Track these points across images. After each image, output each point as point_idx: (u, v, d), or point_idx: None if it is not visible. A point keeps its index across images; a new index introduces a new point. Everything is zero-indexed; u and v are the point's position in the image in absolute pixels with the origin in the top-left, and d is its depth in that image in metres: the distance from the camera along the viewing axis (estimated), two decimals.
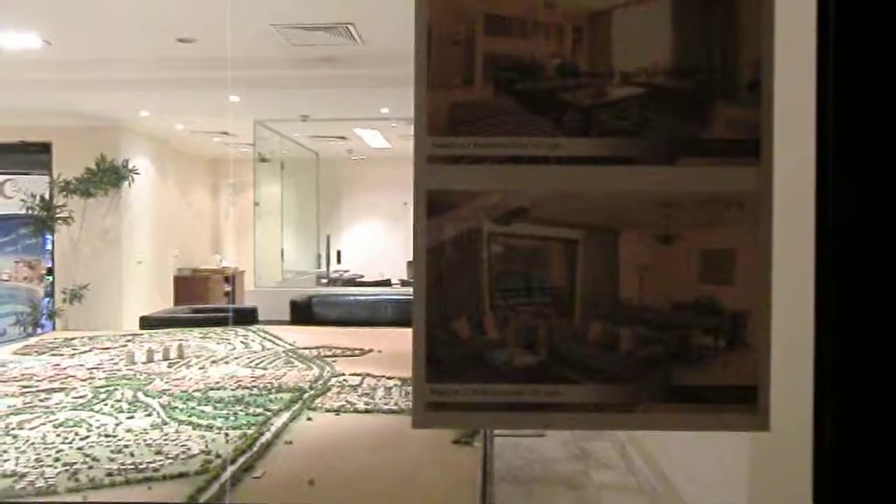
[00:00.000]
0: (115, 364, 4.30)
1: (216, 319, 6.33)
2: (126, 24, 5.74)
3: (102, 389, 3.61)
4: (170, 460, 2.57)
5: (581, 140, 0.90)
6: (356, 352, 4.68)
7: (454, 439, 2.76)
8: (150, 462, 2.55)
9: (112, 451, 2.66)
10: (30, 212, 8.40)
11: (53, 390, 3.61)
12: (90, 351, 4.76)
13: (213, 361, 4.37)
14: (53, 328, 8.16)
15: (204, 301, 9.90)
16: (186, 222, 11.29)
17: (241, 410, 3.21)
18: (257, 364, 4.28)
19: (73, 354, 4.63)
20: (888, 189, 0.83)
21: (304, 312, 7.25)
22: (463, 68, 0.89)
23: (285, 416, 3.12)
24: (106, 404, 3.33)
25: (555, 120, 0.90)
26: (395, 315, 7.11)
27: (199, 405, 3.30)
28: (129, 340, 5.17)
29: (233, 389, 3.61)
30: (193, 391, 3.57)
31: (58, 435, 2.86)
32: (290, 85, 7.17)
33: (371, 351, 4.70)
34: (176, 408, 3.26)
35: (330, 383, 3.73)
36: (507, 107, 0.90)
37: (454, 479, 2.47)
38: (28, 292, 8.70)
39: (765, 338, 0.90)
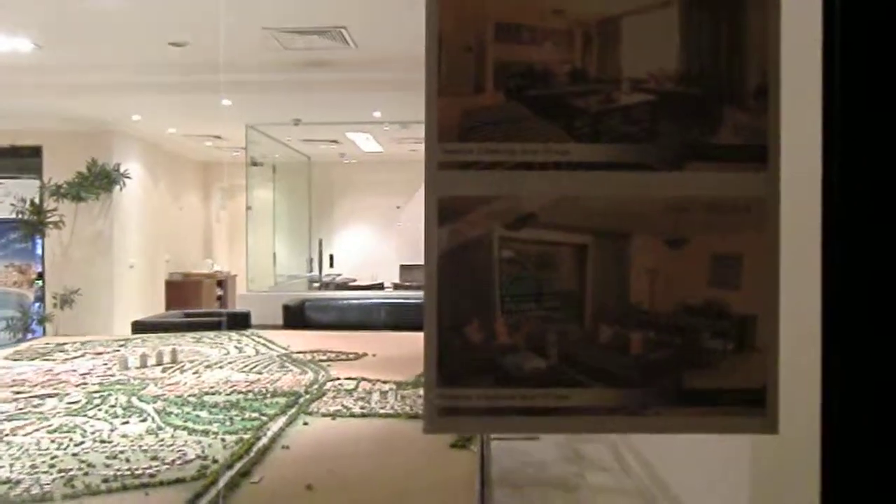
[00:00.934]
0: (109, 369, 4.28)
1: (209, 324, 6.31)
2: (118, 28, 5.73)
3: (96, 395, 3.59)
4: (166, 466, 2.56)
5: (591, 146, 0.91)
6: (351, 356, 4.67)
7: (451, 443, 2.76)
8: (146, 468, 2.54)
9: (107, 457, 2.65)
10: (20, 216, 8.34)
11: (47, 396, 3.59)
12: (83, 356, 4.73)
13: (207, 366, 4.35)
14: (44, 333, 8.11)
15: (196, 305, 9.87)
16: (178, 226, 11.25)
17: (236, 415, 3.20)
18: (252, 368, 4.27)
19: (66, 360, 4.60)
20: (895, 194, 0.84)
21: (297, 316, 7.24)
22: (473, 75, 0.90)
23: (281, 420, 3.11)
24: (100, 410, 3.31)
25: (565, 126, 0.91)
26: (388, 318, 7.11)
27: (194, 410, 3.29)
28: (121, 345, 5.14)
29: (228, 394, 3.59)
30: (188, 396, 3.55)
31: (52, 441, 2.84)
32: (282, 89, 7.17)
33: (365, 355, 4.70)
34: (171, 413, 3.24)
35: (325, 387, 3.73)
36: (517, 113, 0.90)
37: (452, 484, 2.47)
38: (18, 297, 8.65)
39: (773, 341, 0.91)
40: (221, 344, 5.14)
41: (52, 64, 6.54)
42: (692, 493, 3.42)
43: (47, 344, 5.34)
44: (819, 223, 0.87)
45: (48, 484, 2.39)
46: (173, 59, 6.41)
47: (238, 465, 2.56)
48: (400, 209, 11.99)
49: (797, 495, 2.21)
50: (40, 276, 8.79)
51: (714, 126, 0.92)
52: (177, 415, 3.21)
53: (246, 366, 4.35)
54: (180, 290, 10.57)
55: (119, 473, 2.48)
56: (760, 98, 0.92)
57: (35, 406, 3.40)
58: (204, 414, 3.23)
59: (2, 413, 3.26)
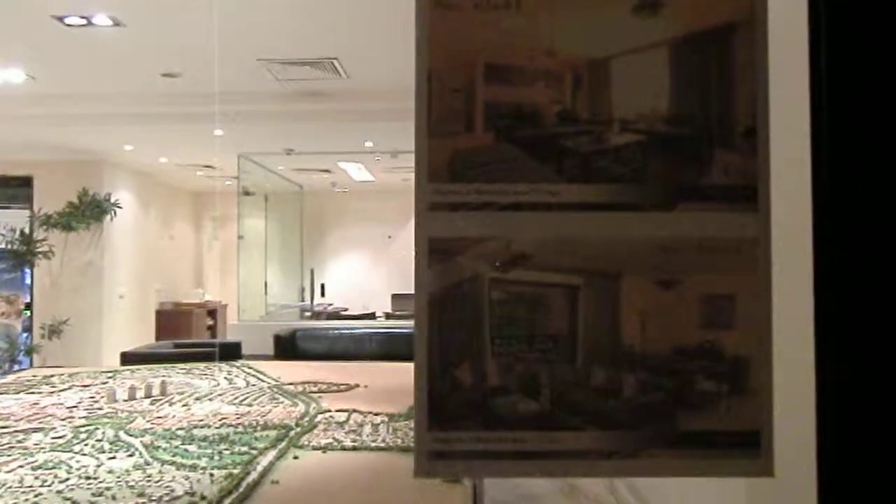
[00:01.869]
0: (96, 402, 4.22)
1: (199, 354, 6.24)
2: (110, 59, 5.75)
3: (82, 429, 3.53)
4: (153, 502, 2.51)
5: (581, 186, 0.91)
6: (342, 387, 4.63)
7: (443, 478, 2.72)
8: None
9: (93, 495, 2.59)
10: (9, 246, 8.29)
11: (32, 430, 3.53)
12: (70, 388, 4.66)
13: (197, 398, 4.30)
14: (31, 364, 8.01)
15: (186, 336, 9.79)
16: (169, 256, 11.20)
17: (226, 449, 3.15)
18: (242, 400, 4.22)
19: (52, 392, 4.54)
20: (885, 234, 0.84)
21: (288, 346, 7.19)
22: (464, 116, 0.90)
23: (271, 454, 3.06)
24: (86, 444, 3.25)
25: (555, 167, 0.91)
26: (380, 348, 7.07)
27: (182, 444, 3.24)
28: (109, 377, 5.08)
29: (217, 427, 3.54)
30: (177, 429, 3.50)
31: (36, 478, 2.79)
32: (274, 119, 7.20)
33: (357, 386, 4.66)
34: (159, 447, 3.19)
35: (316, 420, 3.68)
36: (507, 154, 0.90)
37: None
38: (5, 328, 8.55)
39: (767, 382, 0.91)
40: (211, 375, 5.09)
41: (44, 94, 6.55)
42: None
43: (34, 376, 5.27)
44: (811, 263, 0.87)
45: None
46: (165, 89, 6.44)
47: (227, 501, 2.52)
48: (391, 238, 12.00)
49: None
50: (28, 306, 8.71)
51: (704, 167, 0.92)
52: (165, 449, 3.16)
53: (236, 398, 4.30)
54: (171, 319, 10.49)
55: None
56: (750, 139, 0.92)
57: (19, 441, 3.34)
58: (193, 448, 3.18)
59: None
